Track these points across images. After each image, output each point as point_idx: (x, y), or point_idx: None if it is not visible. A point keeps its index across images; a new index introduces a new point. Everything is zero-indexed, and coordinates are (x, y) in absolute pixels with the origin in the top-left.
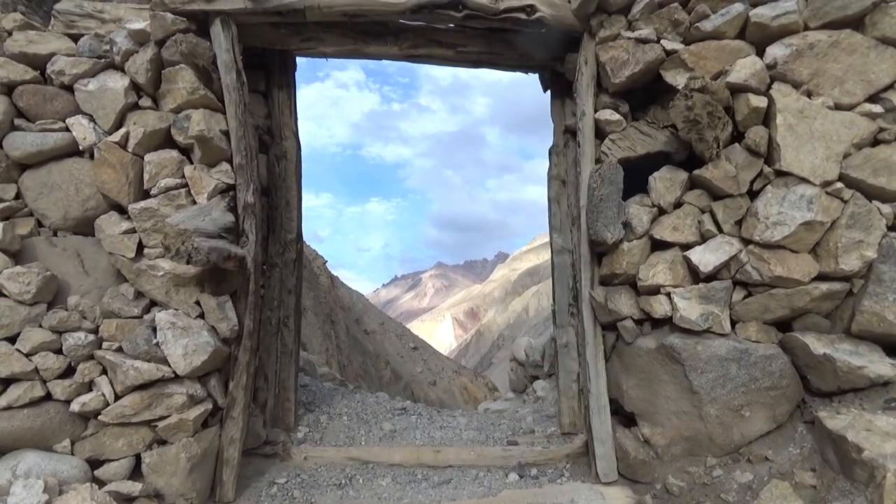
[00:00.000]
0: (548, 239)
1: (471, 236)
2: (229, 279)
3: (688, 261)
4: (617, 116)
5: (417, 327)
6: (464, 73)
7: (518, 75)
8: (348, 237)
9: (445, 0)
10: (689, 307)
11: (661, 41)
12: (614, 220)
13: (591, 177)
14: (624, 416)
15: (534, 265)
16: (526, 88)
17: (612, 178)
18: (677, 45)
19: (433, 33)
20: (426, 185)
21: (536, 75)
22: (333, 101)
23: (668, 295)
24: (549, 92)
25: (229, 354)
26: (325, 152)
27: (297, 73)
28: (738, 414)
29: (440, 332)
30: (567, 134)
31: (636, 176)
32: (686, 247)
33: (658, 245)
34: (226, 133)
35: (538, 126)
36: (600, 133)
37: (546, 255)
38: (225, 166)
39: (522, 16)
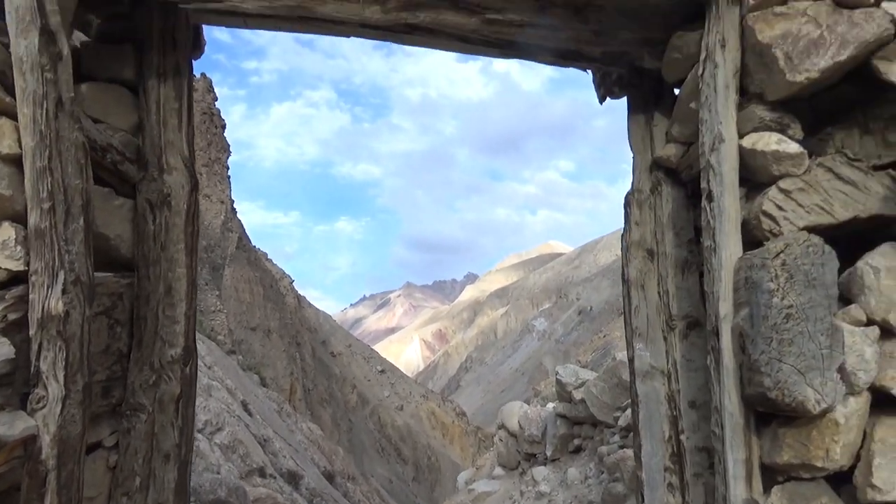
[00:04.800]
0: (518, 260)
1: (440, 256)
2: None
3: None
4: (793, 147)
5: (385, 348)
6: (434, 92)
7: (489, 93)
8: (316, 255)
9: None
10: None
11: (883, 3)
12: (823, 364)
13: (754, 267)
14: None
15: (502, 286)
16: (494, 110)
17: (815, 274)
18: None
19: None
20: (396, 205)
21: (590, 74)
22: (304, 119)
23: None
24: (609, 100)
25: None
26: (294, 170)
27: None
28: None
29: (408, 353)
30: (659, 172)
31: None
32: None
33: (884, 402)
34: (16, 161)
35: (506, 148)
36: (746, 172)
37: (515, 277)
38: (7, 232)
39: None
